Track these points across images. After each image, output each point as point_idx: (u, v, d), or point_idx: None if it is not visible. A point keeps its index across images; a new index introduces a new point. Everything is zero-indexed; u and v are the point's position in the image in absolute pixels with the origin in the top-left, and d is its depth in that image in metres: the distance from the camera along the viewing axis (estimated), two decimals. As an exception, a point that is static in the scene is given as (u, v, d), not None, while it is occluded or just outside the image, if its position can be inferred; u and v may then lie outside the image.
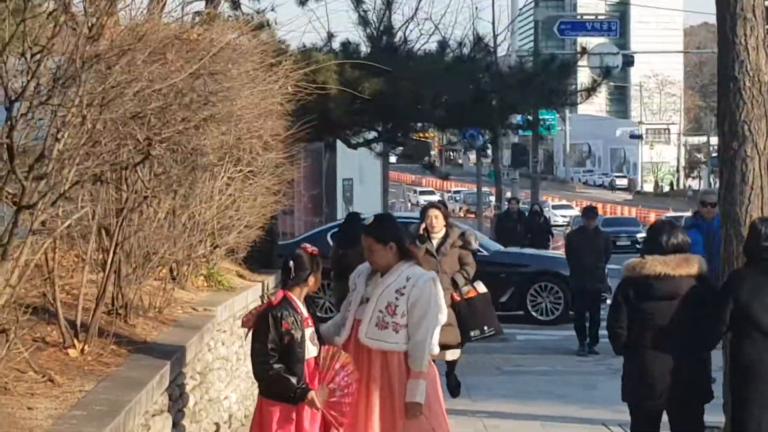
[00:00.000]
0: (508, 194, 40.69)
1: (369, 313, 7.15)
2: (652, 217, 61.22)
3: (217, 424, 9.31)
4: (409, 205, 73.90)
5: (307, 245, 7.32)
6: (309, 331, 7.07)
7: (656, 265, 7.69)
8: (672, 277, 7.67)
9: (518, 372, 14.75)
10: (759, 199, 10.56)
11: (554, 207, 70.31)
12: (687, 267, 7.74)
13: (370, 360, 7.15)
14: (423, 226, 11.33)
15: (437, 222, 11.28)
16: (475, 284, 11.43)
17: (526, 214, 30.08)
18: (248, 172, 11.27)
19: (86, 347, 7.00)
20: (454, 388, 12.06)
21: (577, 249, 17.58)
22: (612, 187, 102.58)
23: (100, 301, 7.32)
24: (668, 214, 55.88)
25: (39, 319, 7.11)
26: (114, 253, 7.36)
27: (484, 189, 50.85)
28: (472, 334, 11.29)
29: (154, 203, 8.10)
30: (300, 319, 7.02)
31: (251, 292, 11.61)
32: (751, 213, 10.51)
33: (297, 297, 7.13)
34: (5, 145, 4.47)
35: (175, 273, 10.07)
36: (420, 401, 6.97)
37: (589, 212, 18.32)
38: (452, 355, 11.71)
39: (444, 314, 7.36)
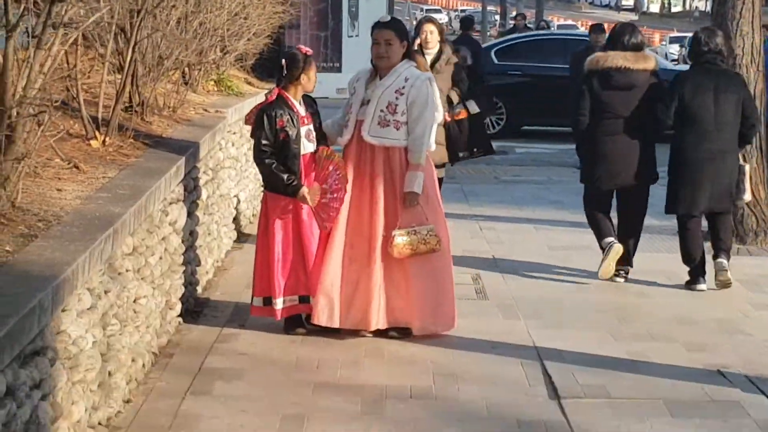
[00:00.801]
0: (514, 12, 40.71)
1: (371, 113, 7.51)
2: (657, 38, 61.09)
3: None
4: (414, 23, 73.35)
5: (302, 46, 7.66)
6: (305, 129, 7.49)
7: (617, 58, 9.12)
8: (630, 70, 9.09)
9: (515, 181, 15.25)
10: (750, 13, 10.96)
11: (559, 27, 70.05)
12: (644, 62, 9.16)
13: (373, 156, 7.57)
14: (417, 41, 10.87)
15: (432, 37, 10.81)
16: (467, 104, 10.94)
17: (533, 30, 29.01)
18: (256, -20, 11.61)
19: (107, 139, 7.49)
20: None
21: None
22: (617, 7, 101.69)
23: (119, 98, 7.77)
24: (672, 35, 55.90)
25: (62, 114, 7.59)
26: (132, 53, 7.77)
27: (489, 8, 50.77)
28: (460, 154, 10.98)
29: (168, 7, 8.47)
30: (296, 117, 7.44)
31: (259, 98, 12.02)
32: (742, 27, 10.95)
33: (292, 95, 7.50)
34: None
35: (187, 77, 10.52)
36: (417, 191, 7.45)
37: (597, 28, 17.31)
38: (439, 173, 11.46)
39: (440, 113, 7.84)
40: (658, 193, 9.71)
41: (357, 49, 32.94)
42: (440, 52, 10.63)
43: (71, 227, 5.45)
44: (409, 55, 7.69)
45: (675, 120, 9.10)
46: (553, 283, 9.31)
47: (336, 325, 7.56)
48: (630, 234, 9.41)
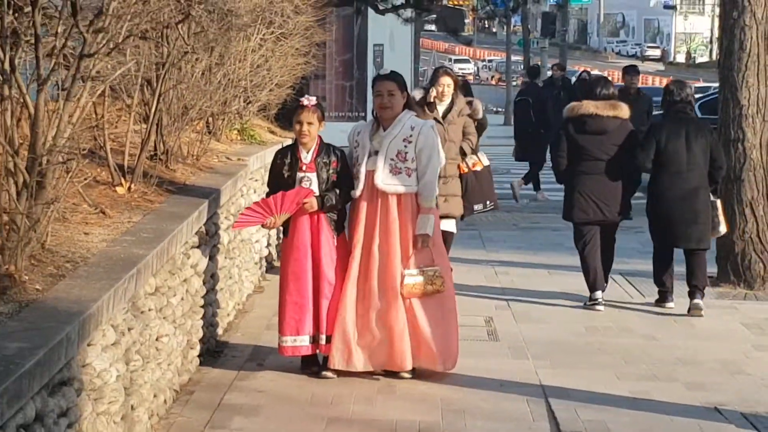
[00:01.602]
0: (541, 62, 40.78)
1: (381, 163, 7.84)
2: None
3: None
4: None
5: (307, 97, 7.97)
6: (300, 175, 7.87)
7: (589, 106, 10.31)
8: (601, 117, 10.25)
9: (533, 228, 15.56)
10: (755, 65, 11.29)
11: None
12: (614, 110, 10.32)
13: (386, 204, 7.87)
14: (433, 93, 10.71)
15: (447, 91, 10.70)
16: (479, 155, 11.02)
17: (572, 81, 25.85)
18: (279, 34, 12.02)
19: (132, 186, 7.87)
20: None
21: None
22: (643, 57, 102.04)
23: (144, 146, 8.15)
24: (697, 85, 56.16)
25: (90, 162, 7.97)
26: (156, 104, 8.17)
27: (515, 58, 51.17)
28: (475, 207, 10.96)
29: (192, 59, 8.87)
30: (296, 163, 7.90)
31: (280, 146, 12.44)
32: (748, 79, 11.28)
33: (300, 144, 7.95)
34: (69, 2, 5.26)
35: (210, 126, 10.91)
36: (430, 233, 7.81)
37: (632, 70, 17.39)
38: (449, 225, 10.81)
39: (443, 156, 8.12)
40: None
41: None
42: (452, 104, 10.71)
43: (97, 267, 5.80)
44: (409, 105, 8.04)
45: (652, 163, 10.20)
46: (563, 325, 9.60)
47: (354, 368, 7.83)
48: (606, 260, 10.57)
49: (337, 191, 7.91)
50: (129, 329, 5.97)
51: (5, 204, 5.38)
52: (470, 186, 10.84)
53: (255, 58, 11.29)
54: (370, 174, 7.87)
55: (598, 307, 10.16)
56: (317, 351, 7.94)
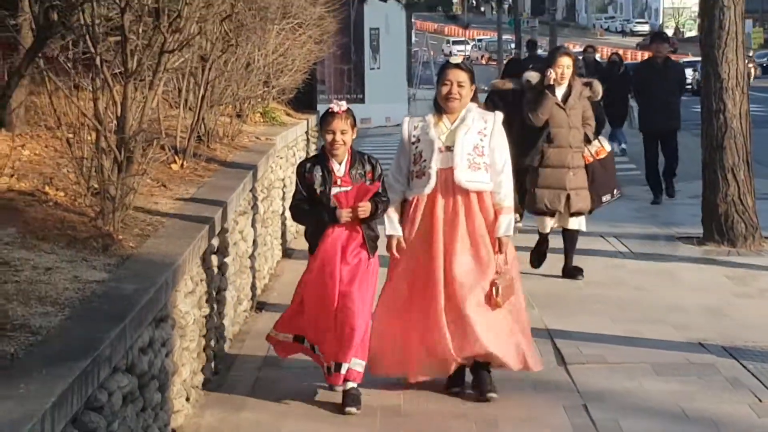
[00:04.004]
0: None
1: (459, 159, 7.15)
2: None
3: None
4: (431, 53, 74.64)
5: (336, 102, 7.06)
6: (336, 190, 6.95)
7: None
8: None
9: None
10: (734, 42, 12.38)
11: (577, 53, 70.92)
12: None
13: (468, 202, 7.20)
14: (552, 75, 10.07)
15: (567, 73, 10.06)
16: (600, 140, 10.37)
17: (603, 64, 24.37)
18: (296, 24, 13.11)
19: (184, 163, 8.96)
20: (572, 271, 10.77)
21: (645, 83, 15.78)
22: (632, 32, 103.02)
23: (193, 129, 9.25)
24: (686, 59, 57.19)
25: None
26: (204, 92, 9.26)
27: (506, 36, 52.14)
28: (604, 198, 10.31)
29: (234, 51, 9.96)
30: (330, 176, 6.94)
31: (299, 128, 13.58)
32: (727, 54, 12.36)
33: (330, 154, 6.99)
34: (154, 9, 6.35)
35: (238, 110, 12.00)
36: (511, 234, 7.25)
37: (659, 38, 16.48)
38: (578, 224, 10.47)
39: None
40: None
41: (379, 81, 34.59)
42: (570, 87, 10.14)
43: (173, 229, 6.90)
44: (476, 96, 7.40)
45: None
46: (561, 281, 10.69)
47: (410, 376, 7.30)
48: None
49: (383, 200, 7.08)
50: (201, 280, 7.07)
51: (104, 177, 6.47)
52: (597, 176, 10.17)
53: (276, 47, 12.35)
54: (444, 172, 7.18)
55: None
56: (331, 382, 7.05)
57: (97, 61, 6.47)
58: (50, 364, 4.33)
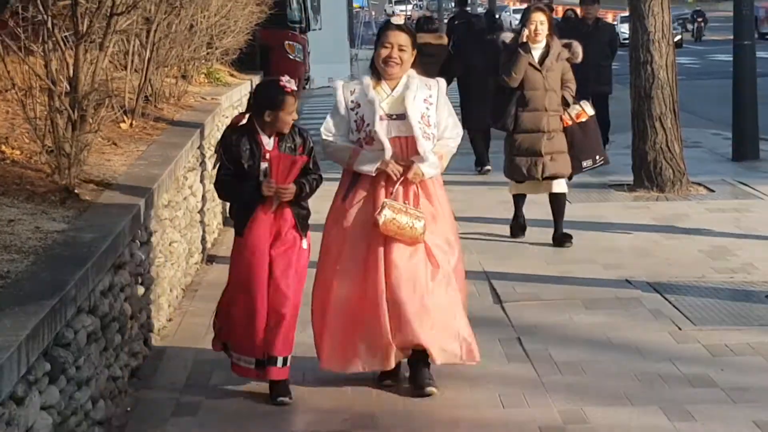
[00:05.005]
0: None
1: (416, 127, 6.54)
2: (610, 18, 62.72)
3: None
4: (373, 13, 74.72)
5: (287, 80, 6.41)
6: (264, 166, 6.38)
7: (424, 38, 12.57)
8: (431, 45, 13.51)
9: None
10: (659, -5, 12.85)
11: (515, 11, 70.85)
12: (440, 39, 14.12)
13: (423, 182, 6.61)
14: (525, 33, 9.67)
15: (542, 29, 9.64)
16: (582, 104, 9.97)
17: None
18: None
19: (133, 123, 9.33)
20: (561, 238, 10.33)
21: None
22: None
23: (141, 90, 9.61)
24: (624, 14, 57.66)
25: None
26: (150, 53, 9.61)
27: (445, -5, 52.22)
28: (584, 164, 9.98)
29: (174, 13, 10.31)
30: (259, 150, 6.40)
31: (243, 88, 13.93)
32: (653, 8, 12.84)
33: (261, 127, 6.42)
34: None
35: (182, 71, 12.35)
36: (426, 171, 6.54)
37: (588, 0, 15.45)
38: (560, 186, 10.20)
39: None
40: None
41: (320, 42, 34.84)
42: (548, 47, 9.72)
43: (126, 183, 7.29)
44: (416, 61, 6.71)
45: None
46: (500, 227, 11.16)
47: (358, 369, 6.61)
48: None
49: (312, 179, 6.52)
50: (154, 231, 7.47)
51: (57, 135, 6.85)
52: (577, 140, 9.82)
53: (218, 9, 12.69)
54: (398, 141, 6.54)
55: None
56: (264, 377, 6.50)
57: (49, 24, 6.82)
58: (21, 303, 4.74)
